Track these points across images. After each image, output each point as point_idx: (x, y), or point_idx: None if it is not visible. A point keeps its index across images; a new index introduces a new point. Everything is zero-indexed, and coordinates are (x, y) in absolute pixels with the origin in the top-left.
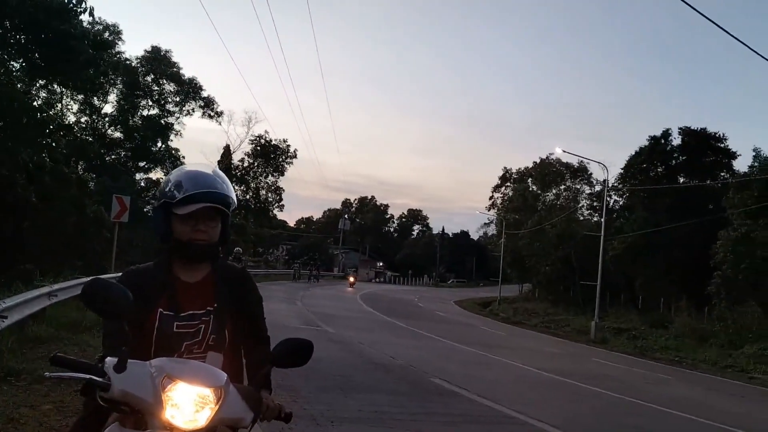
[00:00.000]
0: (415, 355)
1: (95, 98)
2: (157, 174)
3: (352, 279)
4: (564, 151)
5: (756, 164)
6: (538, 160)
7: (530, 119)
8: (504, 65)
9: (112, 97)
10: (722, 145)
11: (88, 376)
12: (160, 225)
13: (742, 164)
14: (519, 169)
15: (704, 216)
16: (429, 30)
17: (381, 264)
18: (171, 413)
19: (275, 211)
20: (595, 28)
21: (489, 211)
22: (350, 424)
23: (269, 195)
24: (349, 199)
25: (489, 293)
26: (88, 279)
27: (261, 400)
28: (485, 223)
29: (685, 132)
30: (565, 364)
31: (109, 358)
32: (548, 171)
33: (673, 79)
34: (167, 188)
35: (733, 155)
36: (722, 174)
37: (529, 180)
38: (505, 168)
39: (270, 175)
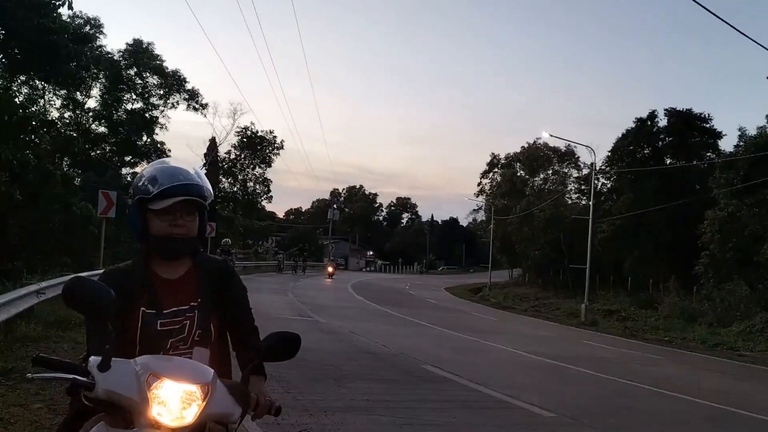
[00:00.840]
0: (407, 342)
1: (78, 93)
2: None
3: (330, 269)
4: (551, 135)
5: (741, 143)
6: (526, 145)
7: (517, 105)
8: (490, 52)
9: (96, 92)
10: (708, 126)
11: (71, 376)
12: (136, 222)
13: (727, 144)
14: (507, 154)
15: (691, 196)
16: (415, 18)
17: (371, 253)
18: (157, 411)
19: (264, 203)
20: (580, 11)
21: (478, 197)
22: (343, 413)
23: (257, 187)
24: (338, 189)
25: (479, 279)
26: (70, 277)
27: (249, 395)
28: (474, 210)
29: (671, 113)
30: (556, 347)
31: (93, 357)
32: (536, 156)
33: (659, 61)
34: (141, 183)
35: (719, 135)
36: (708, 154)
37: (517, 165)
38: (493, 154)
39: (257, 167)
